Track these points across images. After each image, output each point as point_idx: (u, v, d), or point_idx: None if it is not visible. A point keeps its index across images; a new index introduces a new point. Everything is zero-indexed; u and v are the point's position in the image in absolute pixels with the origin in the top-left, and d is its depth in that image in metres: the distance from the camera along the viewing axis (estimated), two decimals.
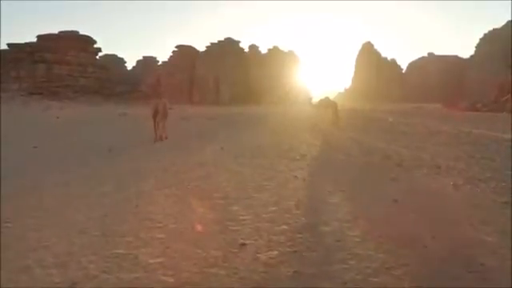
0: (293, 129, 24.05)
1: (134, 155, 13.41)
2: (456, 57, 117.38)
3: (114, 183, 8.53)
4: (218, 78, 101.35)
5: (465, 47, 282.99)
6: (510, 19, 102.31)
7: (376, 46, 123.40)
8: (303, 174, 9.82)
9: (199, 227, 5.55)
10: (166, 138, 17.83)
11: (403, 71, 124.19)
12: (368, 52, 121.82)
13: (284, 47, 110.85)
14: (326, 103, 28.25)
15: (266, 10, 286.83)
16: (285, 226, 5.61)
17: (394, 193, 7.56)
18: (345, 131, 22.43)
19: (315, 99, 31.68)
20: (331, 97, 31.50)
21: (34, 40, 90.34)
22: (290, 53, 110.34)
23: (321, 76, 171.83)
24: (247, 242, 5.01)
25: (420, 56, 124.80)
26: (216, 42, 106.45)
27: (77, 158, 12.74)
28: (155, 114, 17.89)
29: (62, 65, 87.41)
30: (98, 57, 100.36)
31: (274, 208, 6.53)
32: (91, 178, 9.27)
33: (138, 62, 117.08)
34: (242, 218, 5.98)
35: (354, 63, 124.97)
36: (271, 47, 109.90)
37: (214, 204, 6.78)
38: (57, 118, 37.23)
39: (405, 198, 7.10)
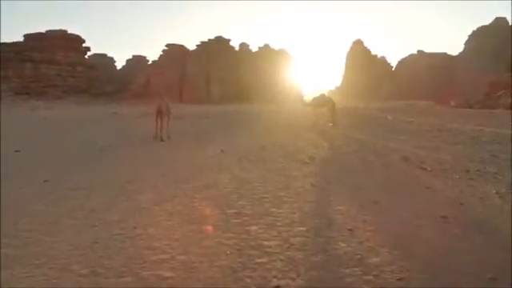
0: (291, 128, 22.95)
1: (127, 159, 12.20)
2: (445, 54, 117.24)
3: (106, 196, 7.30)
4: (209, 77, 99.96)
5: (454, 44, 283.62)
6: (497, 16, 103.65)
7: (366, 44, 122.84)
8: (320, 180, 8.68)
9: (216, 260, 4.35)
10: (162, 140, 17.00)
11: (393, 68, 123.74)
12: (358, 50, 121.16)
13: (275, 45, 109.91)
14: (323, 101, 26.86)
15: (256, 10, 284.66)
16: (323, 256, 4.44)
17: (437, 206, 6.44)
18: (346, 130, 21.35)
19: (308, 97, 30.17)
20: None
21: (21, 39, 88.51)
22: (281, 51, 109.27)
23: (312, 74, 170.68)
24: (282, 282, 3.82)
25: (409, 53, 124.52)
26: (206, 40, 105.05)
27: (63, 163, 11.48)
28: (158, 114, 17.62)
29: (50, 64, 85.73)
30: (86, 56, 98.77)
31: (301, 228, 5.35)
32: (78, 188, 8.01)
33: (128, 61, 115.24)
34: (266, 243, 4.79)
35: (344, 61, 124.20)
36: (262, 45, 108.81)
37: (229, 224, 5.57)
38: (44, 118, 35.87)
39: (454, 214, 5.95)
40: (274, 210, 6.28)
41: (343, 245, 4.75)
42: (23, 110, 52.48)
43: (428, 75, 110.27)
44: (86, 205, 6.68)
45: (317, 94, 28.41)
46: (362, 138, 17.19)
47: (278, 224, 5.55)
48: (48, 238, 5.06)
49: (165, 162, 11.49)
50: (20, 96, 76.34)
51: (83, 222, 5.77)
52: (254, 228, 5.37)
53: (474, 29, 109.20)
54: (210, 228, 5.40)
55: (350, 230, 5.27)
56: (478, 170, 9.55)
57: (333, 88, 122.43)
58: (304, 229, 5.33)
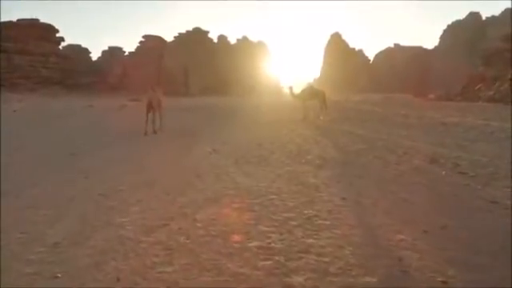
0: (281, 121, 21.26)
1: (103, 162, 10.20)
2: (421, 47, 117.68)
3: (75, 218, 5.42)
4: (187, 69, 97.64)
5: (429, 38, 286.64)
6: (471, 11, 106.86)
7: (344, 37, 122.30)
8: (348, 191, 6.91)
9: None
10: (147, 134, 16.05)
11: (370, 61, 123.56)
12: (336, 42, 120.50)
13: (253, 38, 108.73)
14: (313, 93, 25.14)
15: (234, 2, 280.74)
16: None
17: None
18: (341, 125, 19.65)
19: (296, 89, 28.39)
20: (301, 87, 27.77)
21: None
22: (260, 43, 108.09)
23: (290, 66, 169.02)
24: None
25: (386, 46, 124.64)
26: (184, 32, 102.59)
27: (25, 170, 9.42)
28: (149, 107, 16.98)
29: (23, 55, 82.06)
30: (61, 47, 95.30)
31: (368, 279, 3.59)
32: (39, 207, 6.05)
33: (104, 52, 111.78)
34: None
35: (322, 54, 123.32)
36: (240, 37, 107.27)
37: (258, 270, 3.76)
38: (14, 111, 33.43)
39: None
40: (311, 241, 4.52)
41: None
42: None
43: (404, 68, 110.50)
44: (48, 234, 4.80)
45: (305, 86, 26.75)
46: (365, 134, 15.51)
47: (330, 270, 3.78)
48: None
49: (149, 165, 9.59)
50: None
51: (41, 268, 3.87)
52: (297, 279, 3.58)
53: (449, 23, 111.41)
54: (232, 280, 3.59)
55: (445, 282, 3.53)
56: None
57: (311, 80, 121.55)
58: (374, 280, 3.57)
